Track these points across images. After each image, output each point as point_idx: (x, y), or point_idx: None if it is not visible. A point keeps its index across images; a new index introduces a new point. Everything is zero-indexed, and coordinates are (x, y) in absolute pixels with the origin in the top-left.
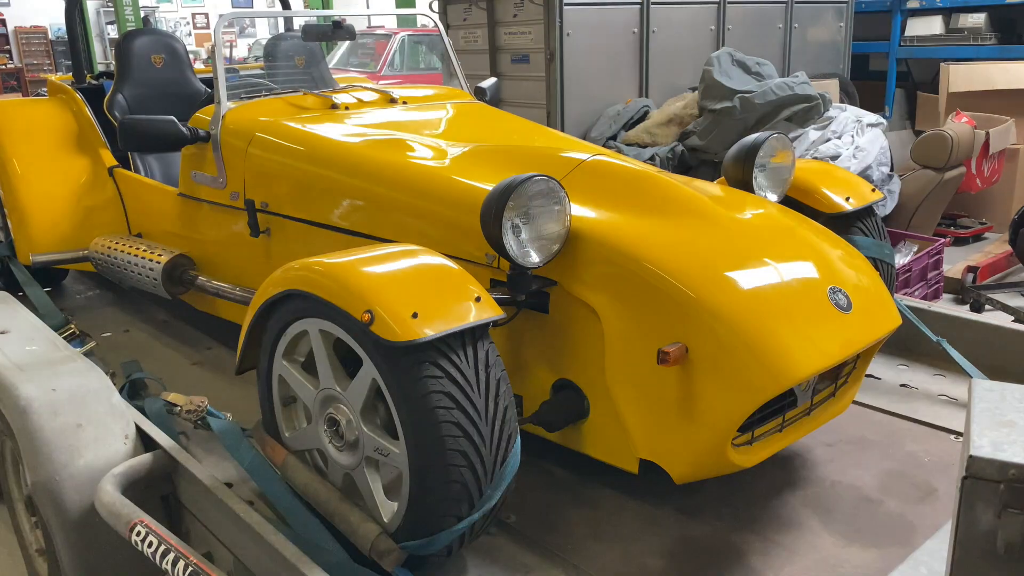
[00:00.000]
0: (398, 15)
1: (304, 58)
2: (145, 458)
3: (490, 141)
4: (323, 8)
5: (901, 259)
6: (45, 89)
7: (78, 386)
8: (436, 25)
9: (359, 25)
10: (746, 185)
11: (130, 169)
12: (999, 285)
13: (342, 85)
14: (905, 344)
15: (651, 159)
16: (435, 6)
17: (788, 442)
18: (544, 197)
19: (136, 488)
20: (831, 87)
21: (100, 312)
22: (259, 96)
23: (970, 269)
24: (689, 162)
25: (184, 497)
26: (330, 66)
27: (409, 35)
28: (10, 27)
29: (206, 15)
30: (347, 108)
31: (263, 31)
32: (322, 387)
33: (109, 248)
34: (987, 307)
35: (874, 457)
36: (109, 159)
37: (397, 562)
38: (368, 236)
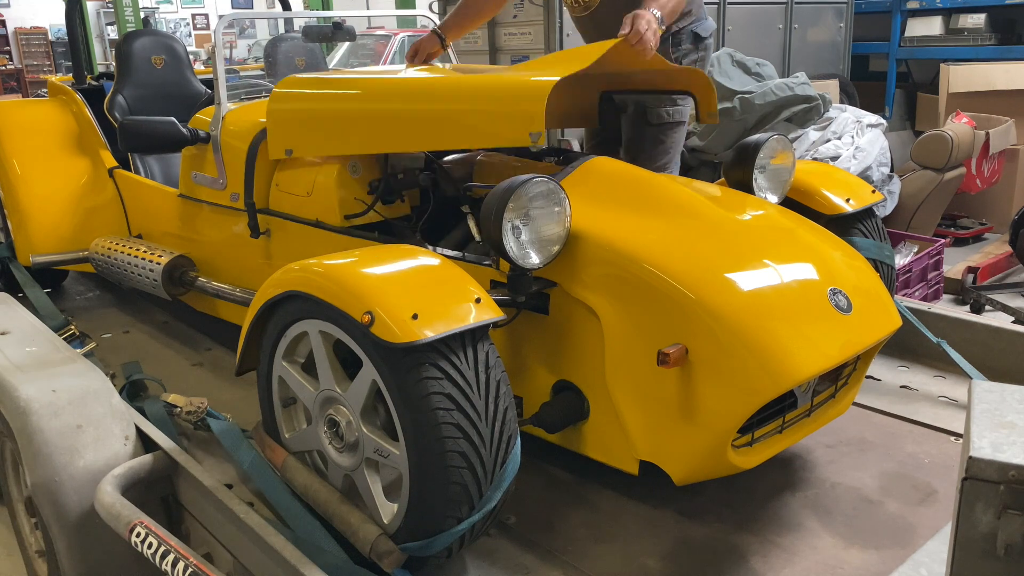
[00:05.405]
0: (398, 16)
1: (304, 59)
2: (145, 459)
3: None
4: (323, 9)
5: (901, 260)
6: (45, 90)
7: (78, 387)
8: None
9: (359, 26)
10: (746, 186)
11: (130, 170)
12: (999, 286)
13: None
14: (905, 345)
15: None
16: (435, 7)
17: (788, 443)
18: (544, 198)
19: (136, 489)
20: (831, 88)
21: (100, 313)
22: (259, 97)
23: (970, 270)
24: (689, 162)
25: (184, 498)
26: (330, 67)
27: (409, 36)
28: (10, 28)
29: (206, 16)
30: None
31: (263, 32)
32: (322, 388)
33: (109, 249)
34: (987, 308)
35: (874, 458)
36: (109, 160)
37: (397, 563)
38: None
